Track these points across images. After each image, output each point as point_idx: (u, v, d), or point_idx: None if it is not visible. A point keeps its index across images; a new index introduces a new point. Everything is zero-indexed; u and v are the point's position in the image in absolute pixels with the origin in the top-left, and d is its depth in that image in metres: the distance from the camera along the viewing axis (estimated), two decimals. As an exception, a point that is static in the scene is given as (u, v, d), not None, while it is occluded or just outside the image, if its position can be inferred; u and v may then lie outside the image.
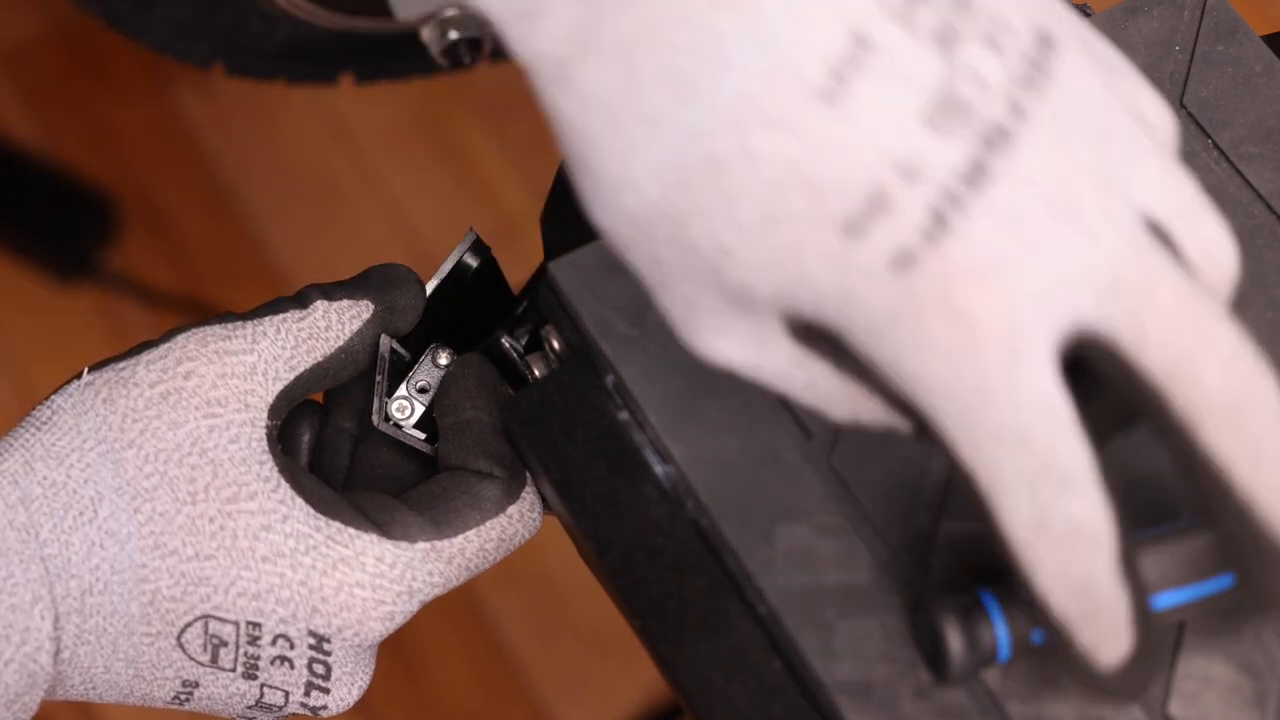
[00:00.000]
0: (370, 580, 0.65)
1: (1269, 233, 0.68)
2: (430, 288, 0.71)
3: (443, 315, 0.71)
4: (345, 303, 0.69)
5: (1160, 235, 0.53)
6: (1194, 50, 0.71)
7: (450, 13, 0.97)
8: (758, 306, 0.53)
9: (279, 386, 0.67)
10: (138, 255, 1.63)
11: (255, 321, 0.67)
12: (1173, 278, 0.52)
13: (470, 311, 0.72)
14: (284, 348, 0.67)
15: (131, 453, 0.64)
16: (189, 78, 1.68)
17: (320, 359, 0.68)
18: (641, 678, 1.48)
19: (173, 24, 1.06)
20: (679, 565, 0.63)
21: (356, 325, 0.69)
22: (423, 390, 0.70)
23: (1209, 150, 0.70)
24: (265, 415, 0.66)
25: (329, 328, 0.68)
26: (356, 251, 1.63)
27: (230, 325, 0.67)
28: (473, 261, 0.72)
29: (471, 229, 0.73)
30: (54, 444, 0.64)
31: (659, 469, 0.64)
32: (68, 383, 0.66)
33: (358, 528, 0.65)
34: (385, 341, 0.69)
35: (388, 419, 0.70)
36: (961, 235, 0.50)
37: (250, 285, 1.62)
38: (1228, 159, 0.69)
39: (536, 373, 0.69)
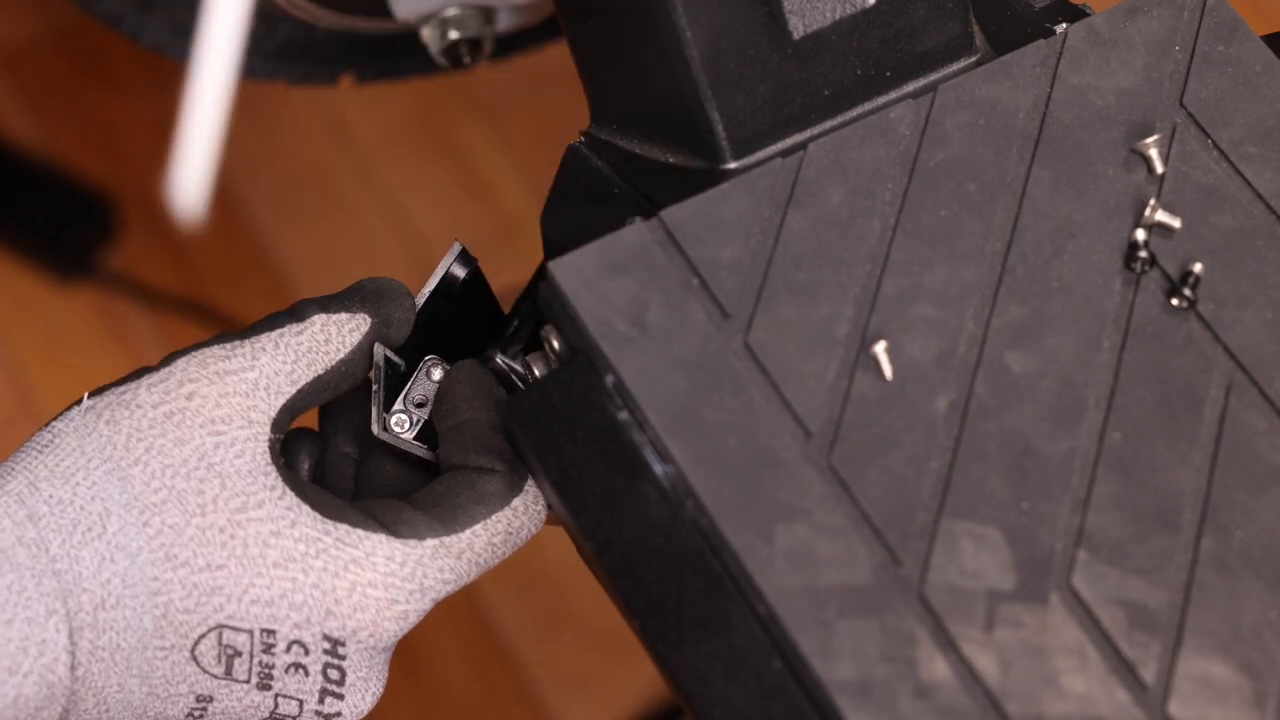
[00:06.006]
0: (382, 580, 0.65)
1: (1269, 233, 0.68)
2: (420, 300, 0.71)
3: (434, 328, 0.72)
4: (343, 315, 0.69)
5: None
6: (1194, 50, 0.71)
7: (450, 13, 0.97)
8: None
9: (280, 401, 0.67)
10: (138, 255, 1.63)
11: (253, 339, 0.67)
12: None
13: (462, 324, 0.72)
14: (284, 362, 0.67)
15: (138, 469, 0.64)
16: (189, 78, 1.68)
17: (321, 371, 0.68)
18: (641, 678, 1.48)
19: (173, 24, 1.06)
20: (679, 565, 0.63)
21: (356, 339, 0.69)
22: (420, 405, 0.71)
23: (1209, 150, 0.70)
24: (268, 429, 0.66)
25: (328, 341, 0.68)
26: (356, 251, 1.63)
27: (228, 345, 0.67)
28: (460, 272, 0.72)
29: (456, 240, 0.73)
30: (58, 464, 0.64)
31: (659, 469, 0.64)
32: (67, 409, 0.66)
33: (366, 529, 0.65)
34: (379, 350, 0.70)
35: (386, 430, 0.70)
36: None
37: (250, 285, 1.62)
38: (1228, 159, 0.69)
39: (536, 373, 0.69)
